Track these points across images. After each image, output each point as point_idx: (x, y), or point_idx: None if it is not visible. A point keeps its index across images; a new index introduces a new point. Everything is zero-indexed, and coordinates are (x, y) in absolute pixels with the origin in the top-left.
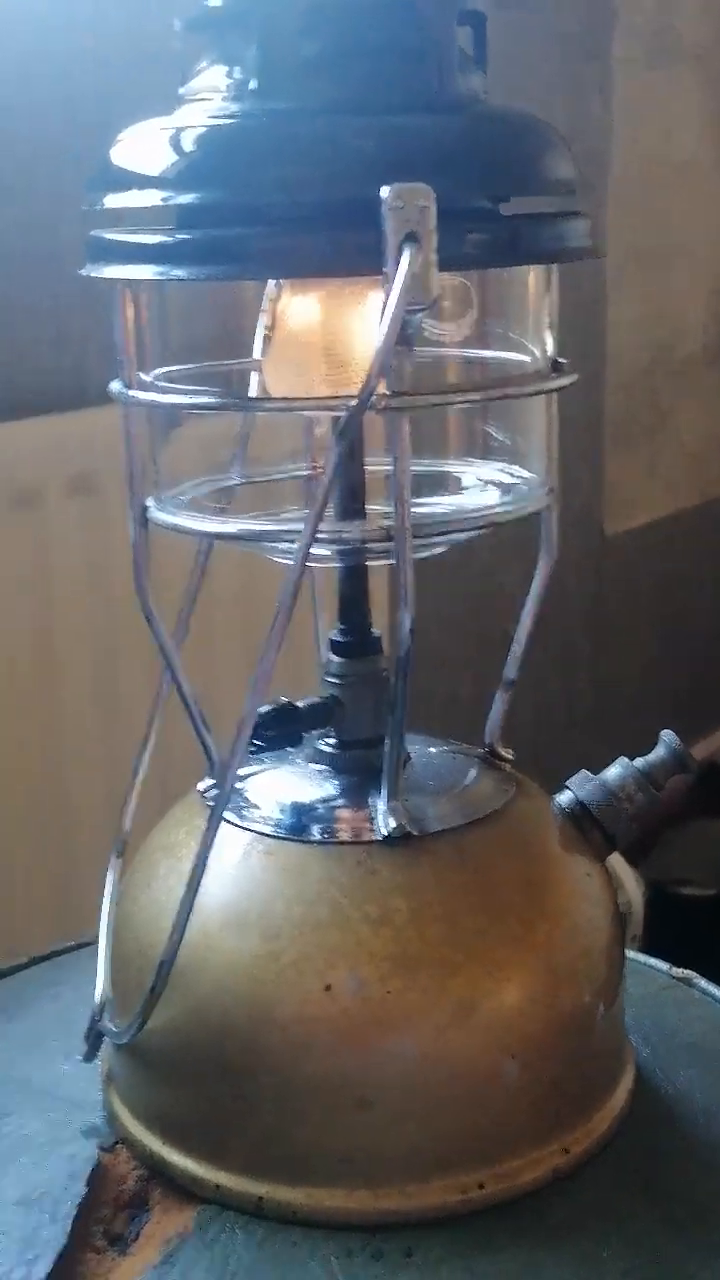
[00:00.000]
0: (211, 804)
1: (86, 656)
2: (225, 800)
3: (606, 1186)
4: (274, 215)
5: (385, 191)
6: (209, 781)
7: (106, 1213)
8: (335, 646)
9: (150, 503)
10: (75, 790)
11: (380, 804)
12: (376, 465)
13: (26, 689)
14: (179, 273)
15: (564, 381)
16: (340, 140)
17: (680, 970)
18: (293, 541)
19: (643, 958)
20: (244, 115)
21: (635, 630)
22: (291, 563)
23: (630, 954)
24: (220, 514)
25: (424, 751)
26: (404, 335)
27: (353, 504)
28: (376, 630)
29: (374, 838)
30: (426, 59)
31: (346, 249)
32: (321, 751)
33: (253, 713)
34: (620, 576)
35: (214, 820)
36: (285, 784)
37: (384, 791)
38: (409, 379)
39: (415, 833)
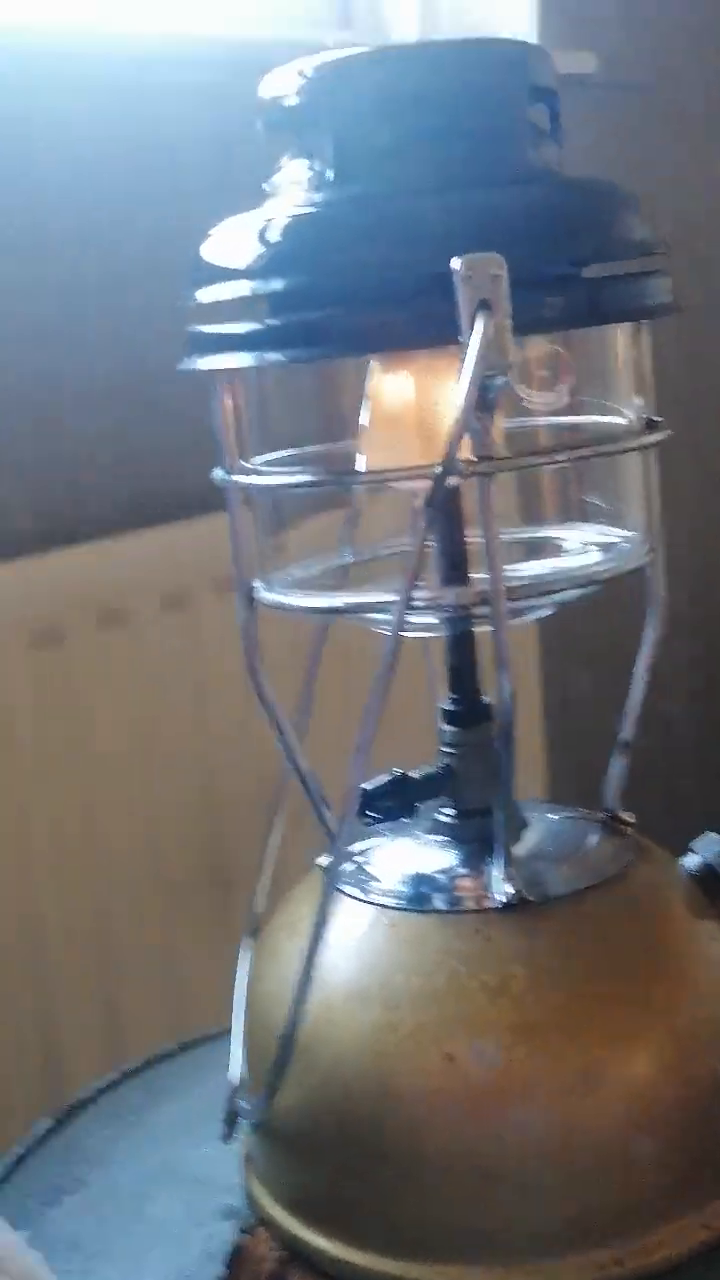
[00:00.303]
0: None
1: (189, 763)
2: (336, 871)
3: None
4: (357, 295)
5: (456, 263)
6: (329, 858)
7: None
8: (446, 715)
9: (257, 584)
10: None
11: (495, 871)
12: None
13: (129, 793)
14: (269, 358)
15: (654, 438)
16: (416, 219)
17: None
18: (389, 611)
19: None
20: (324, 204)
21: None
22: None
23: None
24: (329, 591)
25: (543, 817)
26: (485, 401)
27: (454, 573)
28: (487, 697)
29: (491, 906)
30: (498, 138)
31: (426, 321)
32: (439, 821)
33: (357, 784)
34: None
35: (327, 892)
36: (404, 855)
37: (498, 859)
38: (500, 446)
39: (532, 899)
